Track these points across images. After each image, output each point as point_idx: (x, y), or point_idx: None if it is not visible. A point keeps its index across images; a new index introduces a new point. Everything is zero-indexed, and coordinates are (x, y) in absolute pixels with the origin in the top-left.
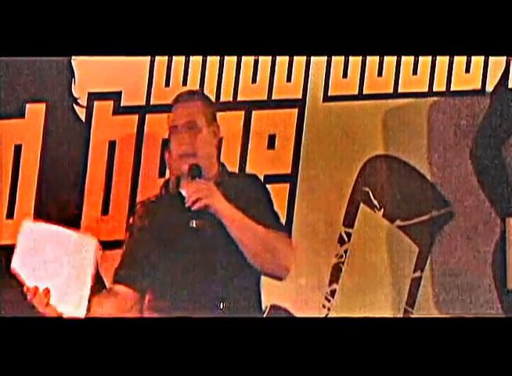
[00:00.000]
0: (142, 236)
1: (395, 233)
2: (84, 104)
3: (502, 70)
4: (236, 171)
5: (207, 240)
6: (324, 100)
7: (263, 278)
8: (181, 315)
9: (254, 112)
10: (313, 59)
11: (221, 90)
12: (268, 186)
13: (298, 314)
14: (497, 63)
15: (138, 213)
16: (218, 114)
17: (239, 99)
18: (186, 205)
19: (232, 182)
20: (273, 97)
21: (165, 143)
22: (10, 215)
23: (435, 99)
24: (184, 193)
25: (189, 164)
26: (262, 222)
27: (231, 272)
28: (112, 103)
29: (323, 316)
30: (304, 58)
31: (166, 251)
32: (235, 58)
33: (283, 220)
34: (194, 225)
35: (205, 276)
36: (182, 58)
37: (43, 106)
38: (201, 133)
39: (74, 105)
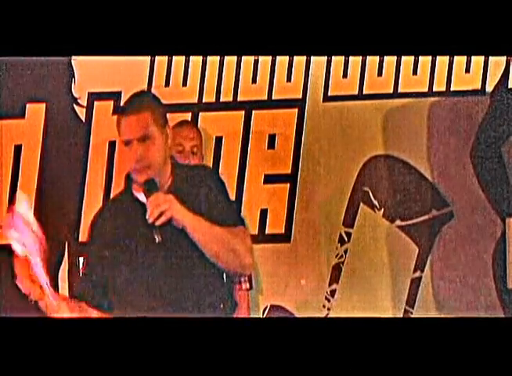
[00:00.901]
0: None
1: (395, 233)
2: (84, 104)
3: (502, 70)
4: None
5: (171, 251)
6: (324, 100)
7: (263, 279)
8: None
9: (254, 112)
10: (313, 59)
11: (222, 90)
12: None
13: (298, 314)
14: (497, 63)
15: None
16: (219, 114)
17: (239, 99)
18: (149, 221)
19: (184, 175)
20: (273, 97)
21: None
22: None
23: (435, 99)
24: (140, 197)
25: (145, 179)
26: (219, 217)
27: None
28: (112, 102)
29: (323, 315)
30: (304, 58)
31: (128, 264)
32: (235, 58)
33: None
34: (157, 240)
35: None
36: (182, 58)
37: (43, 106)
38: (155, 144)
39: (74, 105)
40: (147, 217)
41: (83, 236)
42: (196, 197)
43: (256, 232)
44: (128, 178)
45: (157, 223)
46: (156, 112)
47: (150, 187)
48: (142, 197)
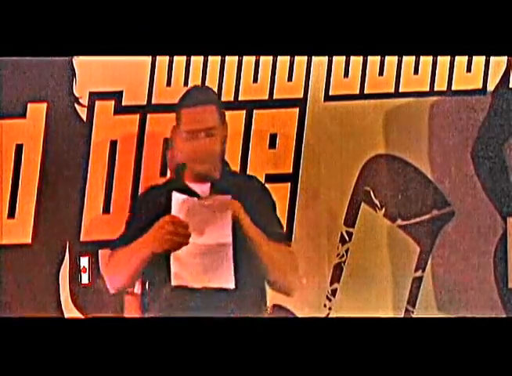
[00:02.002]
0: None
1: (396, 233)
2: (86, 104)
3: (503, 70)
4: (238, 170)
5: None
6: (325, 100)
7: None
8: (182, 315)
9: (255, 111)
10: (314, 58)
11: (223, 90)
12: (268, 186)
13: (300, 314)
14: (498, 62)
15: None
16: None
17: (240, 98)
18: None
19: (234, 182)
20: (274, 97)
21: (166, 143)
22: (11, 214)
23: (436, 98)
24: (194, 187)
25: (203, 169)
26: (265, 230)
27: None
28: (113, 102)
29: (324, 315)
30: (306, 58)
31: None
32: (236, 58)
33: (284, 228)
34: None
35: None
36: (184, 58)
37: (44, 105)
38: (217, 137)
39: (75, 104)
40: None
41: (84, 235)
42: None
43: None
44: (180, 167)
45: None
46: (218, 108)
47: (205, 178)
48: (195, 187)
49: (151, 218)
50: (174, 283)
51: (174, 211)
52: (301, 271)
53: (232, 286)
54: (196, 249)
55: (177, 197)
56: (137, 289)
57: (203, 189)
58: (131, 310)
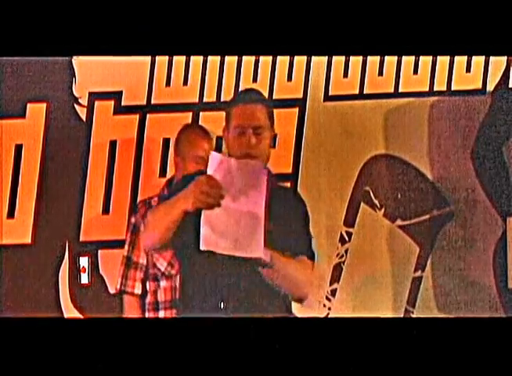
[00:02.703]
0: None
1: (396, 233)
2: (85, 104)
3: (502, 70)
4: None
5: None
6: (325, 100)
7: None
8: (185, 315)
9: None
10: (314, 58)
11: (222, 90)
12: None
13: (299, 313)
14: (498, 62)
15: (140, 212)
16: (219, 114)
17: None
18: None
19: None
20: (274, 97)
21: (166, 143)
22: (11, 214)
23: (436, 98)
24: None
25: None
26: (296, 249)
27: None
28: (113, 102)
29: (324, 315)
30: (305, 58)
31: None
32: (235, 58)
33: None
34: None
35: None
36: (183, 58)
37: (44, 105)
38: (265, 138)
39: (75, 104)
40: None
41: (83, 236)
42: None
43: None
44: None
45: None
46: (268, 109)
47: None
48: None
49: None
50: (202, 247)
51: (210, 170)
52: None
53: (261, 255)
54: (228, 214)
55: (214, 156)
56: (137, 289)
57: None
58: (132, 311)
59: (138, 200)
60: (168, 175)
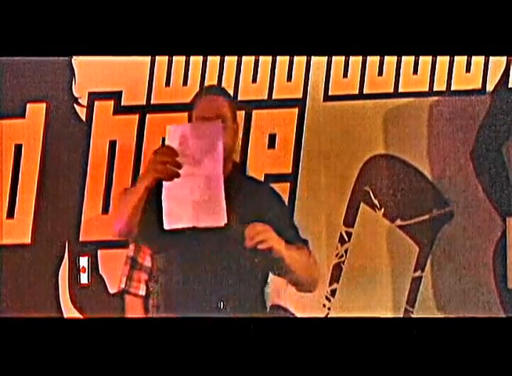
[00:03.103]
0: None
1: (396, 233)
2: (85, 104)
3: (502, 70)
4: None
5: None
6: (324, 100)
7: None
8: (184, 315)
9: (254, 111)
10: (313, 58)
11: None
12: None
13: (299, 314)
14: (497, 62)
15: None
16: None
17: (239, 98)
18: (248, 246)
19: (246, 186)
20: (274, 97)
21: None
22: (10, 214)
23: (436, 98)
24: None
25: None
26: (284, 236)
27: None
28: (112, 102)
29: (324, 315)
30: (305, 58)
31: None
32: (235, 58)
33: (301, 233)
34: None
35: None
36: (183, 58)
37: (43, 105)
38: (228, 127)
39: (75, 104)
40: (246, 242)
41: (83, 236)
42: (253, 208)
43: None
44: None
45: (259, 247)
46: (231, 103)
47: None
48: None
49: None
50: (166, 226)
51: (167, 140)
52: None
53: (223, 223)
54: (187, 181)
55: (170, 128)
56: (142, 291)
57: None
58: (135, 312)
59: None
60: None
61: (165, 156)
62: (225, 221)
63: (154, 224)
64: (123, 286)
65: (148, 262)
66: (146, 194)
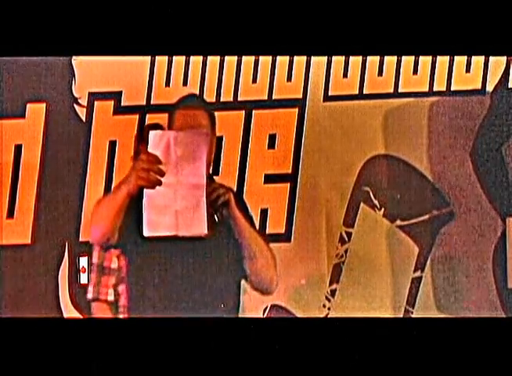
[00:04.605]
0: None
1: (396, 233)
2: (85, 104)
3: (502, 70)
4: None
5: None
6: (324, 100)
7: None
8: (178, 315)
9: (254, 112)
10: (313, 59)
11: (222, 90)
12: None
13: (299, 314)
14: (497, 63)
15: None
16: (219, 114)
17: (239, 98)
18: (207, 199)
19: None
20: (274, 97)
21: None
22: (10, 214)
23: (435, 98)
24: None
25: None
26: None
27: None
28: (112, 102)
29: (324, 315)
30: (305, 58)
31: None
32: (235, 58)
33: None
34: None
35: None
36: (183, 58)
37: (43, 105)
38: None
39: (75, 105)
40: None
41: (83, 236)
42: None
43: None
44: None
45: (219, 203)
46: (210, 113)
47: None
48: None
49: None
50: (145, 233)
51: (150, 148)
52: (300, 271)
53: (204, 232)
54: (169, 189)
55: (153, 133)
56: (110, 296)
57: None
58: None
59: None
60: None
61: (149, 163)
62: (206, 230)
63: (133, 230)
64: (90, 296)
65: (114, 264)
66: (127, 201)
